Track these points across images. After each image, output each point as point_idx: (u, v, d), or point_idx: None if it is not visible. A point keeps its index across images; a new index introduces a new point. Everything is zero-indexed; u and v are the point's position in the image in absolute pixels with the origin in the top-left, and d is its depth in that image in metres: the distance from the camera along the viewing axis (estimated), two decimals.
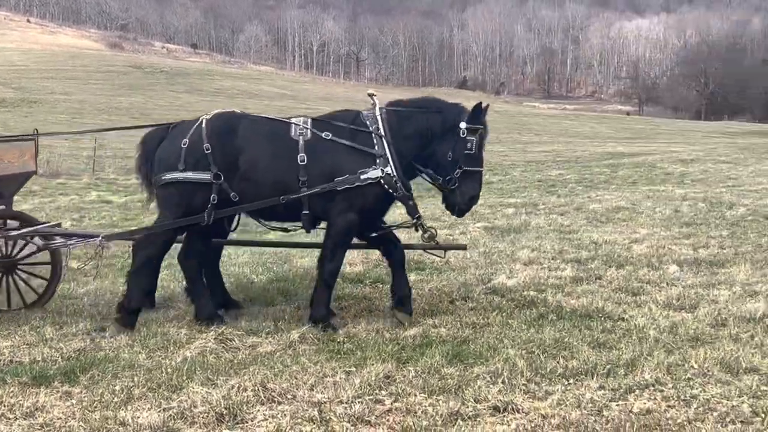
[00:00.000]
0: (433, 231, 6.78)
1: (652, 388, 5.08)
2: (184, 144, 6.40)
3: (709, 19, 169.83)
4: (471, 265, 9.04)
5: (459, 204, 6.63)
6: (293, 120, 6.63)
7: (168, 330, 6.52)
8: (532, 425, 4.55)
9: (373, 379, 5.25)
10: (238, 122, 6.57)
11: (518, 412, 4.75)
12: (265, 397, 4.96)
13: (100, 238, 6.95)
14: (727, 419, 4.56)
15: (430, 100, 6.95)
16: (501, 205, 15.41)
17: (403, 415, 4.72)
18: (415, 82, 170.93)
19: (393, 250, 6.86)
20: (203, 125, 6.46)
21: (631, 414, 4.67)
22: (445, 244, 7.44)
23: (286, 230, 7.02)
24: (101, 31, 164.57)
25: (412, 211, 6.61)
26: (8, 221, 7.48)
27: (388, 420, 4.67)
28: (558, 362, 5.56)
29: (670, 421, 4.54)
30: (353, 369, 5.49)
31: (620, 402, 4.88)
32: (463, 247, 8.11)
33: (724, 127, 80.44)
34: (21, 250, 7.58)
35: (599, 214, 13.53)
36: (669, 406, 4.80)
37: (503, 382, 5.19)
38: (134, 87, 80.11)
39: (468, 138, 6.49)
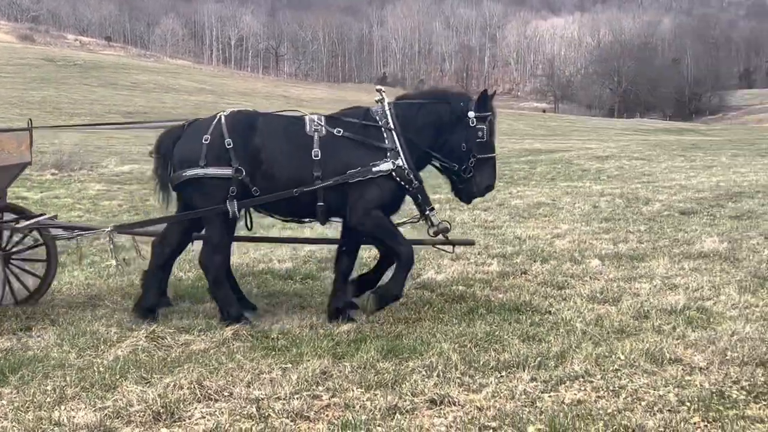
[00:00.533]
0: (447, 224, 6.89)
1: (582, 379, 5.23)
2: (205, 140, 6.42)
3: (621, 18, 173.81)
4: None
5: (475, 193, 6.85)
6: (307, 117, 6.72)
7: (98, 328, 6.44)
8: (469, 417, 4.64)
9: (309, 375, 5.27)
10: (256, 119, 6.65)
11: (454, 404, 4.85)
12: (201, 395, 4.94)
13: (109, 229, 6.94)
14: (655, 408, 4.73)
15: (437, 91, 7.11)
16: None
17: (342, 410, 4.77)
18: (334, 77, 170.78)
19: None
20: (222, 122, 6.50)
21: (563, 404, 4.81)
22: (454, 239, 7.44)
23: (301, 222, 7.23)
24: (11, 23, 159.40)
25: (425, 202, 6.73)
26: (4, 213, 7.28)
27: (327, 415, 4.71)
28: (490, 355, 5.68)
29: (600, 411, 4.68)
30: (289, 365, 5.51)
31: (552, 393, 5.02)
32: (471, 243, 8.12)
33: (636, 125, 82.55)
34: (16, 243, 7.42)
35: (521, 210, 13.78)
36: (599, 397, 4.95)
37: (438, 376, 5.27)
38: (47, 80, 77.80)
39: (478, 126, 6.65)
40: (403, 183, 6.57)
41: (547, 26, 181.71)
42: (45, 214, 7.46)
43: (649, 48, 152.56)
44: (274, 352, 5.82)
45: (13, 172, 7.21)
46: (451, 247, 7.35)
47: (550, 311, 6.96)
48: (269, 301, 7.39)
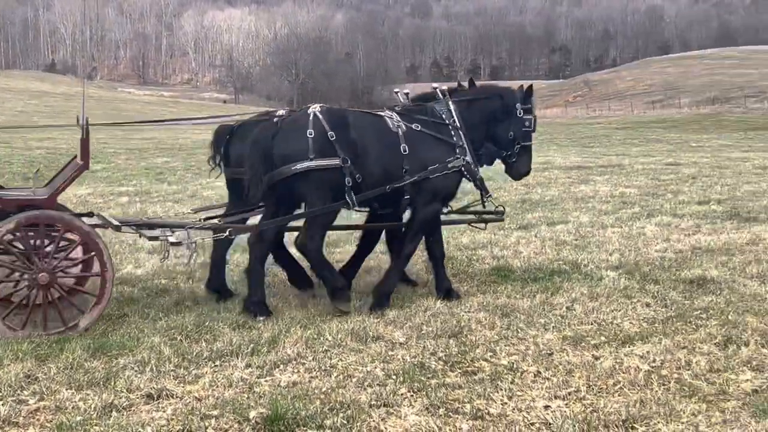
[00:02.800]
0: (502, 208, 7.78)
1: (294, 361, 5.42)
2: (310, 134, 6.47)
3: (297, 12, 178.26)
4: None
5: (517, 176, 7.59)
6: (386, 113, 7.00)
7: None
8: (189, 408, 4.64)
9: (12, 379, 4.98)
10: (346, 114, 6.82)
11: (172, 397, 4.82)
12: None
13: (228, 231, 6.72)
14: (365, 383, 5.02)
15: (488, 87, 7.74)
16: (113, 194, 15.07)
17: (53, 413, 4.56)
18: None
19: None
20: (320, 116, 6.60)
21: (280, 387, 4.96)
22: (487, 217, 7.94)
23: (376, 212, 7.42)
24: None
25: (484, 191, 7.31)
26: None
27: (38, 419, 4.48)
28: (203, 346, 5.70)
29: (316, 390, 4.89)
30: None
31: (268, 378, 5.15)
32: (501, 219, 8.15)
33: None
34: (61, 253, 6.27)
35: (213, 200, 13.75)
36: (312, 377, 5.16)
37: (152, 370, 5.21)
38: None
39: (525, 117, 7.30)
40: (468, 177, 7.09)
41: (225, 17, 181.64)
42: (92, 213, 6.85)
43: (323, 42, 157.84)
44: None
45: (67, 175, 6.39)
46: (484, 224, 8.06)
47: None
48: None
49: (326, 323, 6.25)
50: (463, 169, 7.02)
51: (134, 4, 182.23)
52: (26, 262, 5.99)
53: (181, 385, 5.01)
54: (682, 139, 34.36)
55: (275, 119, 6.83)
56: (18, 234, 6.03)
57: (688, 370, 5.22)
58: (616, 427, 4.37)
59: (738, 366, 5.28)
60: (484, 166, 7.55)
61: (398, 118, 6.95)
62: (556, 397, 4.79)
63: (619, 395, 4.82)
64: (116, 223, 6.71)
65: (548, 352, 5.61)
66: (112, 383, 4.98)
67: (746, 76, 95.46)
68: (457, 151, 7.01)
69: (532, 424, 4.46)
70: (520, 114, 7.32)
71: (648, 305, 6.77)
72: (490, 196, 7.43)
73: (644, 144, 31.47)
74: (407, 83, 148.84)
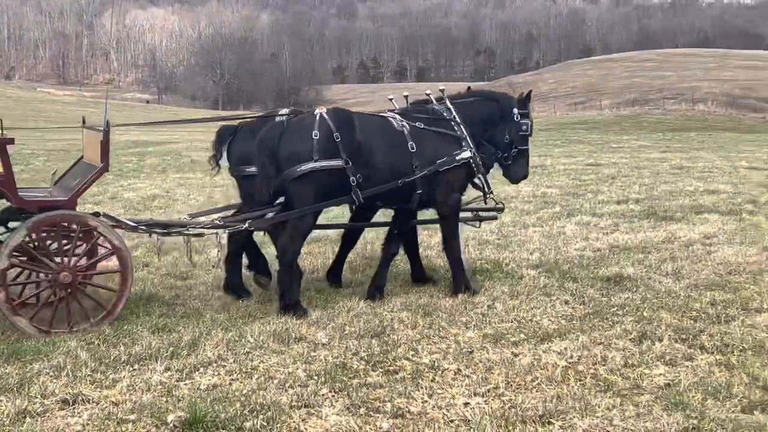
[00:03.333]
0: (503, 205, 8.03)
1: (215, 364, 5.38)
2: (315, 136, 6.60)
3: (221, 12, 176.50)
4: None
5: (515, 179, 7.84)
6: (388, 114, 7.25)
7: None
8: (105, 413, 4.56)
9: None
10: (352, 116, 6.95)
11: (88, 402, 4.73)
12: None
13: (246, 225, 6.80)
14: (287, 384, 5.01)
15: (485, 92, 8.03)
16: None
17: None
18: None
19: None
20: (326, 118, 6.72)
21: (199, 390, 4.91)
22: (483, 215, 8.13)
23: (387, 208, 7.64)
24: None
25: (488, 186, 7.52)
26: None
27: None
28: (120, 350, 5.61)
29: (236, 393, 4.86)
30: None
31: (188, 381, 5.10)
32: (495, 218, 8.40)
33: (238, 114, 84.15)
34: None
35: (136, 203, 13.57)
36: (233, 379, 5.13)
37: (68, 375, 5.11)
38: None
39: (522, 122, 7.53)
40: (475, 169, 7.28)
41: (147, 16, 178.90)
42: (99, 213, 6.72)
43: (249, 42, 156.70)
44: None
45: (85, 176, 6.50)
46: (478, 222, 8.21)
47: (177, 302, 7.01)
48: None
49: (248, 325, 6.21)
50: (471, 161, 7.25)
51: (53, 3, 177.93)
52: (51, 262, 6.21)
53: (98, 389, 4.93)
54: (603, 140, 35.03)
55: (281, 119, 6.99)
56: (43, 235, 6.35)
57: (604, 365, 5.35)
58: (533, 422, 4.44)
59: (652, 361, 5.43)
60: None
61: (401, 118, 7.18)
62: (475, 394, 4.86)
63: (536, 391, 4.91)
64: (132, 224, 6.81)
65: (469, 350, 5.68)
66: (26, 389, 4.87)
67: (665, 78, 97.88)
68: (463, 144, 7.24)
69: (452, 421, 4.51)
70: (517, 118, 7.56)
71: (566, 302, 6.90)
72: (491, 193, 7.62)
73: (566, 145, 32.00)
74: (334, 84, 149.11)
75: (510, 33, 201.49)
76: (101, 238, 6.35)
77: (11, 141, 6.22)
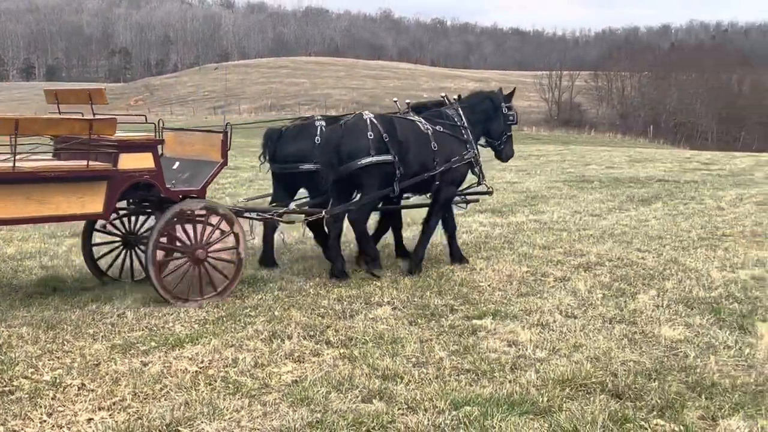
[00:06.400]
0: (491, 189, 9.55)
1: None
2: (370, 136, 7.94)
3: None
4: None
5: (505, 158, 9.38)
6: (416, 118, 8.54)
7: None
8: None
9: None
10: (393, 119, 8.28)
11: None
12: None
13: (323, 214, 8.11)
14: None
15: (479, 92, 9.53)
16: None
17: None
18: None
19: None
20: (375, 121, 8.07)
21: None
22: (471, 198, 9.66)
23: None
24: None
25: (482, 176, 8.96)
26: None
27: None
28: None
29: None
30: None
31: None
32: (475, 202, 10.18)
33: None
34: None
35: None
36: None
37: None
38: None
39: (509, 113, 9.11)
40: (475, 166, 8.81)
41: None
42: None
43: None
44: None
45: (204, 170, 7.35)
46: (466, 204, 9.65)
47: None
48: None
49: None
50: (473, 160, 8.76)
51: None
52: (189, 241, 7.14)
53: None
54: (244, 144, 35.46)
55: (340, 123, 8.18)
56: (185, 218, 7.16)
57: (235, 367, 5.37)
58: (160, 431, 4.33)
59: (281, 359, 5.56)
60: None
61: (425, 122, 8.53)
62: (100, 409, 4.64)
63: (165, 399, 4.80)
64: (241, 210, 7.89)
65: (95, 362, 5.43)
66: None
67: (299, 84, 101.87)
68: (468, 146, 8.73)
69: None
70: (505, 111, 9.12)
71: (200, 307, 6.85)
72: (484, 180, 9.03)
73: None
74: None
75: (146, 34, 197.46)
76: (223, 222, 7.24)
77: (161, 142, 7.15)
